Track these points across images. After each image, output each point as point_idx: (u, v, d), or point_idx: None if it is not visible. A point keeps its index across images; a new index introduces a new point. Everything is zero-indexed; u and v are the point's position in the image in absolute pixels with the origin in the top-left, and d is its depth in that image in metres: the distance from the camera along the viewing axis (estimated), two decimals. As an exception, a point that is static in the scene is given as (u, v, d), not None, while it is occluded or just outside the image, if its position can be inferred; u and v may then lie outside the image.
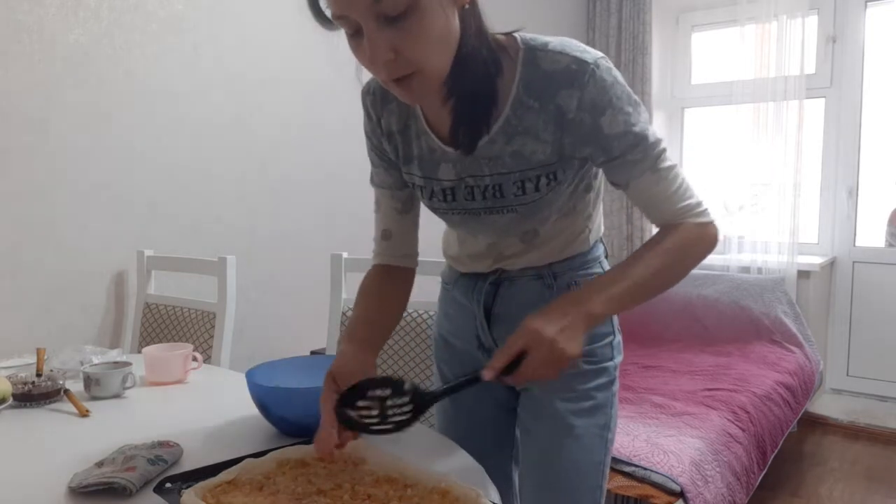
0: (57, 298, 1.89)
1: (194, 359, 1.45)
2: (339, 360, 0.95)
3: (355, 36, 0.80)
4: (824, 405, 3.34)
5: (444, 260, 1.22)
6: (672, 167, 0.93)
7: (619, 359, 1.10)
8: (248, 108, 2.33)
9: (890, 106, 3.35)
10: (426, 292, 1.56)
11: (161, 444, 0.95)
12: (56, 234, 1.87)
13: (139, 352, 1.60)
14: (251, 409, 1.08)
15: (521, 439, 1.13)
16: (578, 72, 0.86)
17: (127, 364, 1.32)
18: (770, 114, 3.35)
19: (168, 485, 0.84)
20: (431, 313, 1.67)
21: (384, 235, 1.09)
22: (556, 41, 0.89)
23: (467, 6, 0.83)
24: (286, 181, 2.47)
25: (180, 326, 1.90)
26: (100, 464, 0.90)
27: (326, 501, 0.79)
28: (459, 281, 1.14)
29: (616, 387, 1.09)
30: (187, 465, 0.93)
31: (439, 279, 1.26)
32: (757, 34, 3.38)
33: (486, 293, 1.09)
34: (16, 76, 1.77)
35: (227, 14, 2.24)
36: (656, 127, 3.89)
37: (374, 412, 0.85)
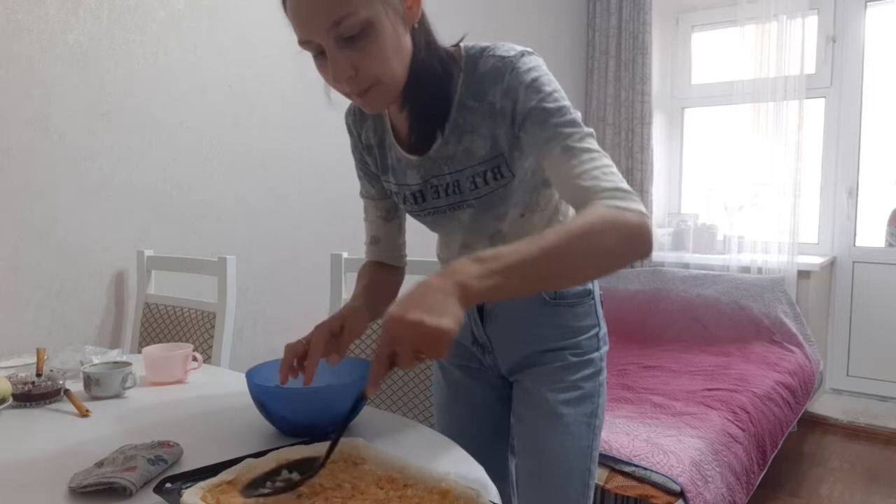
0: (57, 298, 1.89)
1: (194, 359, 1.44)
2: (349, 304, 1.07)
3: (319, 57, 0.89)
4: (824, 405, 3.34)
5: (434, 260, 1.29)
6: (590, 150, 0.88)
7: (604, 349, 1.15)
8: (248, 108, 2.33)
9: (890, 106, 3.35)
10: None
11: (161, 444, 0.95)
12: (56, 234, 1.87)
13: (139, 352, 1.60)
14: (251, 409, 1.08)
15: (514, 427, 1.18)
16: (502, 67, 0.94)
17: (127, 364, 1.32)
18: (770, 114, 3.35)
19: (168, 485, 0.84)
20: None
21: (373, 241, 1.21)
22: (491, 45, 0.97)
23: (416, 25, 0.93)
24: (286, 181, 2.47)
25: (180, 326, 1.90)
26: (100, 464, 0.90)
27: (326, 501, 0.79)
28: None
29: (603, 376, 1.14)
30: (187, 465, 0.93)
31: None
32: (757, 34, 3.38)
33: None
34: (16, 76, 1.77)
35: (227, 14, 2.24)
36: (656, 127, 3.91)
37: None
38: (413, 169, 1.06)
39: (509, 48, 0.95)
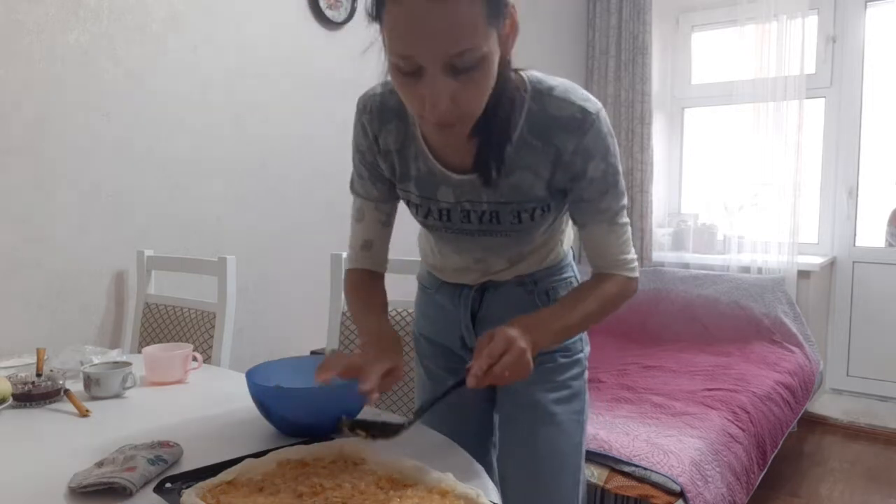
0: (57, 298, 1.88)
1: (194, 359, 1.45)
2: (381, 336, 1.04)
3: (411, 76, 0.83)
4: (824, 405, 3.34)
5: (417, 259, 1.29)
6: (625, 225, 1.04)
7: (587, 350, 1.22)
8: (247, 108, 2.33)
9: (890, 106, 3.35)
10: (404, 292, 1.56)
11: (161, 444, 0.95)
12: (56, 234, 1.87)
13: (139, 352, 1.60)
14: (251, 409, 1.08)
15: (500, 426, 1.23)
16: (582, 120, 0.94)
17: (127, 364, 1.32)
18: (770, 114, 3.34)
19: (168, 485, 0.84)
20: (410, 311, 1.67)
21: (365, 246, 1.16)
22: (560, 86, 0.96)
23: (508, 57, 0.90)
24: (286, 181, 2.47)
25: (180, 326, 1.90)
26: (100, 464, 0.90)
27: (326, 501, 0.79)
28: (443, 288, 1.21)
29: (586, 374, 1.21)
30: (187, 465, 0.93)
31: (415, 279, 1.30)
32: (757, 34, 3.38)
33: (472, 299, 1.18)
34: (16, 76, 1.77)
35: (227, 14, 2.24)
36: (656, 127, 3.91)
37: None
38: (449, 187, 1.02)
39: (586, 97, 0.95)
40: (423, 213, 1.08)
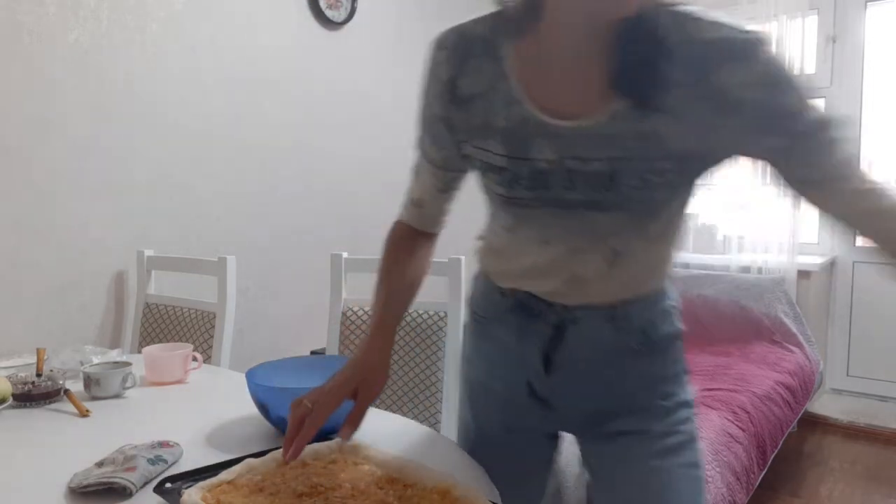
0: (57, 298, 1.88)
1: (194, 359, 1.44)
2: (367, 356, 0.86)
3: None
4: (824, 405, 3.34)
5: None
6: (873, 180, 0.76)
7: (693, 390, 0.97)
8: (247, 108, 2.33)
9: (890, 105, 3.35)
10: (432, 292, 1.56)
11: (161, 444, 0.95)
12: (56, 234, 1.87)
13: (139, 352, 1.60)
14: (251, 409, 1.08)
15: (597, 492, 0.95)
16: (747, 42, 0.71)
17: (127, 364, 1.32)
18: (770, 114, 3.34)
19: (168, 485, 0.84)
20: (432, 313, 1.67)
21: (417, 203, 0.98)
22: (701, 10, 0.74)
23: None
24: (286, 181, 2.47)
25: (180, 326, 1.90)
26: (100, 464, 0.90)
27: (326, 501, 0.79)
28: (505, 318, 0.92)
29: (694, 421, 0.95)
30: (187, 465, 0.93)
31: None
32: (757, 34, 3.38)
33: (547, 337, 0.88)
34: (16, 76, 1.77)
35: (226, 14, 2.24)
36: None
37: None
38: (547, 139, 0.78)
39: (740, 21, 0.73)
40: (508, 182, 0.82)
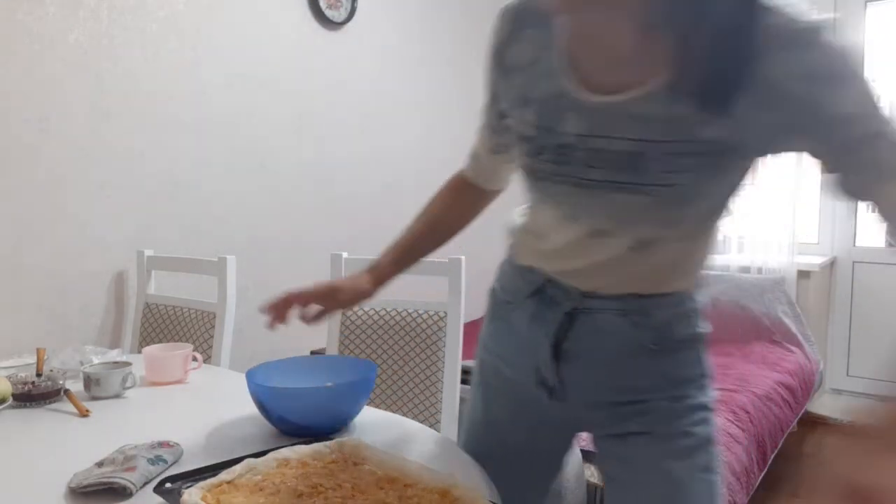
0: (57, 298, 1.88)
1: (194, 359, 1.45)
2: (355, 280, 1.02)
3: None
4: (824, 405, 3.34)
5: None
6: None
7: (714, 394, 0.91)
8: (247, 107, 2.33)
9: (890, 105, 3.34)
10: (432, 292, 1.56)
11: (161, 444, 0.95)
12: (56, 234, 1.87)
13: (139, 352, 1.60)
14: (251, 409, 1.08)
15: (608, 486, 0.94)
16: (804, 30, 0.65)
17: (127, 364, 1.32)
18: (770, 114, 3.34)
19: (168, 485, 0.84)
20: (432, 313, 1.67)
21: (474, 156, 1.03)
22: None
23: None
24: (286, 181, 2.47)
25: (180, 326, 1.90)
26: (100, 464, 0.90)
27: (326, 501, 0.79)
28: (523, 303, 0.92)
29: (715, 423, 0.90)
30: (187, 465, 0.93)
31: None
32: (757, 34, 3.38)
33: (558, 324, 0.87)
34: (16, 76, 1.77)
35: (226, 14, 2.24)
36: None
37: None
38: (580, 113, 0.76)
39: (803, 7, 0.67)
40: (535, 151, 0.82)
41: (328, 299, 1.01)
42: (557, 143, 0.79)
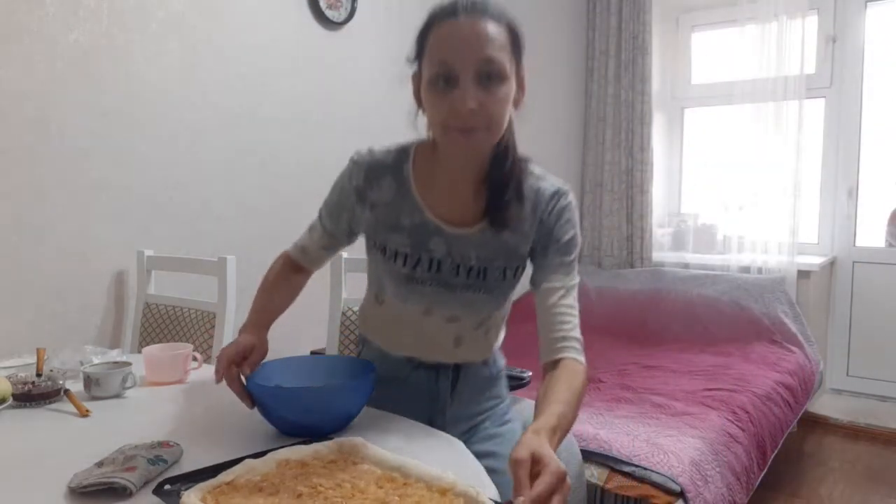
0: (57, 298, 1.88)
1: (194, 359, 1.45)
2: (245, 339, 1.17)
3: (444, 87, 0.99)
4: (824, 405, 3.34)
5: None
6: (575, 299, 1.10)
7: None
8: (247, 108, 2.33)
9: (890, 106, 3.35)
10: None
11: (161, 444, 0.95)
12: (56, 234, 1.87)
13: (139, 352, 1.60)
14: (251, 409, 1.08)
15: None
16: (562, 190, 1.14)
17: (127, 364, 1.32)
18: (770, 114, 3.35)
19: (167, 486, 0.84)
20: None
21: (302, 250, 1.29)
22: (539, 170, 1.15)
23: (515, 110, 1.06)
24: (286, 181, 2.47)
25: (180, 326, 1.90)
26: (100, 464, 0.90)
27: (326, 501, 0.79)
28: (415, 373, 1.23)
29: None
30: (187, 465, 0.93)
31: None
32: (757, 34, 3.38)
33: (450, 378, 1.23)
34: (16, 76, 1.77)
35: (227, 14, 2.24)
36: (656, 127, 3.92)
37: None
38: (441, 238, 1.11)
39: (558, 180, 1.15)
40: (413, 264, 1.12)
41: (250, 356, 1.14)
42: (430, 258, 1.12)
